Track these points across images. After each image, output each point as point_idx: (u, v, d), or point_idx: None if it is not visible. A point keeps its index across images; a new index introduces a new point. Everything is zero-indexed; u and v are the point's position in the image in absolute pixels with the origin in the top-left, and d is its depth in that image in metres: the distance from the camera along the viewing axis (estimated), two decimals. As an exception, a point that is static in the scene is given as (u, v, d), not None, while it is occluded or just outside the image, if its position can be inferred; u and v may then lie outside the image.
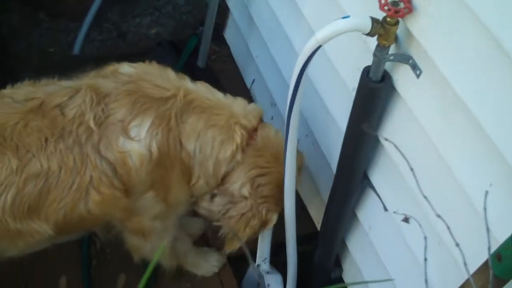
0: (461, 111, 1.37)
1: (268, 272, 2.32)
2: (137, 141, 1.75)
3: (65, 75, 1.88)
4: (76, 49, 3.17)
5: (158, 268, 2.30)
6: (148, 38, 3.30)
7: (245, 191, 1.91)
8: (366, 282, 2.05)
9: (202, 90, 1.89)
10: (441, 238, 1.51)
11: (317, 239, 2.18)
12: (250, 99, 2.81)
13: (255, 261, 2.32)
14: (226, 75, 3.10)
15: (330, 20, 1.47)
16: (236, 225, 1.94)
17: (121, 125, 1.75)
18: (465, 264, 1.02)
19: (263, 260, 2.30)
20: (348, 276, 2.25)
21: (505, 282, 1.17)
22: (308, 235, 2.31)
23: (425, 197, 1.07)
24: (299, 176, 1.98)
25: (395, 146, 1.11)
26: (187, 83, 1.88)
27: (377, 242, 1.96)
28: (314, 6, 2.02)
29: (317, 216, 2.33)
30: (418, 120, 1.54)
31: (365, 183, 1.88)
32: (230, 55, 3.09)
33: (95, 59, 2.96)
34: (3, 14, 3.16)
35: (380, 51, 1.48)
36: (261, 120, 1.96)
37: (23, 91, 1.80)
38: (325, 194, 2.07)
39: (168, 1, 3.43)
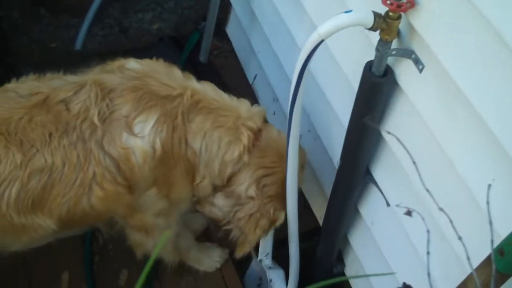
0: (463, 106, 1.37)
1: (270, 267, 2.33)
2: (141, 137, 1.75)
3: (67, 71, 1.88)
4: (78, 44, 3.17)
5: (159, 263, 2.30)
6: (150, 34, 3.30)
7: (252, 192, 1.92)
8: (368, 276, 2.05)
9: (209, 90, 1.89)
10: (444, 234, 1.51)
11: (319, 234, 2.18)
12: (252, 94, 2.82)
13: (257, 256, 2.32)
14: (228, 70, 3.09)
15: (332, 15, 1.46)
16: (245, 226, 1.95)
17: (126, 121, 1.75)
18: (468, 258, 1.02)
19: (266, 255, 2.31)
20: (350, 271, 2.26)
21: (508, 277, 1.17)
22: (310, 231, 2.32)
23: (427, 190, 1.07)
24: (301, 174, 1.99)
25: (398, 139, 1.11)
26: (193, 83, 1.88)
27: (379, 237, 1.96)
28: (316, 0, 2.02)
29: (319, 211, 2.33)
30: (420, 114, 1.54)
31: (368, 179, 1.88)
32: (232, 51, 3.09)
33: (97, 54, 2.97)
34: (4, 9, 3.16)
35: (383, 46, 1.48)
36: (265, 121, 1.96)
37: (28, 86, 1.80)
38: (327, 189, 2.07)
39: (170, -4, 3.43)
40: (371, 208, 1.97)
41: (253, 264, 2.41)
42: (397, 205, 1.69)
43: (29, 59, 3.03)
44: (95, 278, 2.40)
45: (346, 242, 2.20)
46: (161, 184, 1.86)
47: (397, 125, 1.66)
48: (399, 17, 1.42)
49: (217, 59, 3.18)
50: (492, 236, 1.01)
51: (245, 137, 1.86)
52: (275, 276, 2.31)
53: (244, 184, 1.92)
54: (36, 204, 1.74)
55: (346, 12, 1.44)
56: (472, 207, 1.39)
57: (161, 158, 1.79)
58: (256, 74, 2.85)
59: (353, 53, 1.79)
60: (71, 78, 1.84)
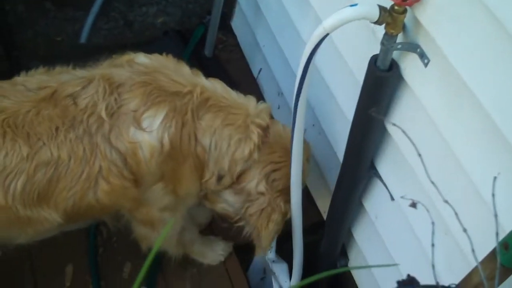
0: (469, 100, 1.36)
1: (274, 261, 2.33)
2: (149, 132, 1.75)
3: (72, 64, 1.89)
4: (83, 38, 3.17)
5: (163, 256, 2.31)
6: (154, 27, 3.30)
7: (262, 188, 1.93)
8: (371, 267, 2.06)
9: (218, 88, 1.89)
10: (448, 228, 1.51)
11: (323, 228, 2.19)
12: (257, 88, 2.82)
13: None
14: (233, 64, 3.09)
15: (337, 9, 1.46)
16: (257, 221, 1.96)
17: (134, 115, 1.75)
18: (473, 251, 1.02)
19: (269, 249, 2.31)
20: (354, 265, 2.26)
21: (512, 271, 1.17)
22: (314, 225, 2.32)
23: (432, 182, 1.07)
24: (306, 167, 1.99)
25: (403, 130, 1.11)
26: (202, 80, 1.89)
27: (383, 231, 1.97)
28: (322, -6, 2.02)
29: (323, 205, 2.33)
30: (425, 108, 1.54)
31: (372, 173, 1.88)
32: (237, 45, 3.09)
33: (102, 48, 2.97)
34: (10, 3, 3.17)
35: (388, 40, 1.47)
36: (271, 117, 1.97)
37: (36, 79, 1.81)
38: (332, 183, 2.07)
39: (175, -10, 3.42)
40: (375, 202, 1.97)
41: (257, 257, 2.41)
42: (402, 197, 1.69)
43: (35, 53, 3.03)
44: (99, 271, 2.41)
45: (350, 236, 2.20)
46: (168, 179, 1.87)
47: (402, 119, 1.66)
48: (405, 11, 1.42)
49: (222, 53, 3.18)
50: (497, 229, 1.01)
51: (255, 135, 1.87)
52: (279, 270, 2.32)
53: (254, 181, 1.93)
54: (42, 197, 1.75)
55: (352, 5, 1.44)
56: (477, 202, 1.39)
57: (169, 153, 1.79)
58: (261, 68, 2.85)
59: (358, 47, 1.78)
60: (79, 72, 1.84)
